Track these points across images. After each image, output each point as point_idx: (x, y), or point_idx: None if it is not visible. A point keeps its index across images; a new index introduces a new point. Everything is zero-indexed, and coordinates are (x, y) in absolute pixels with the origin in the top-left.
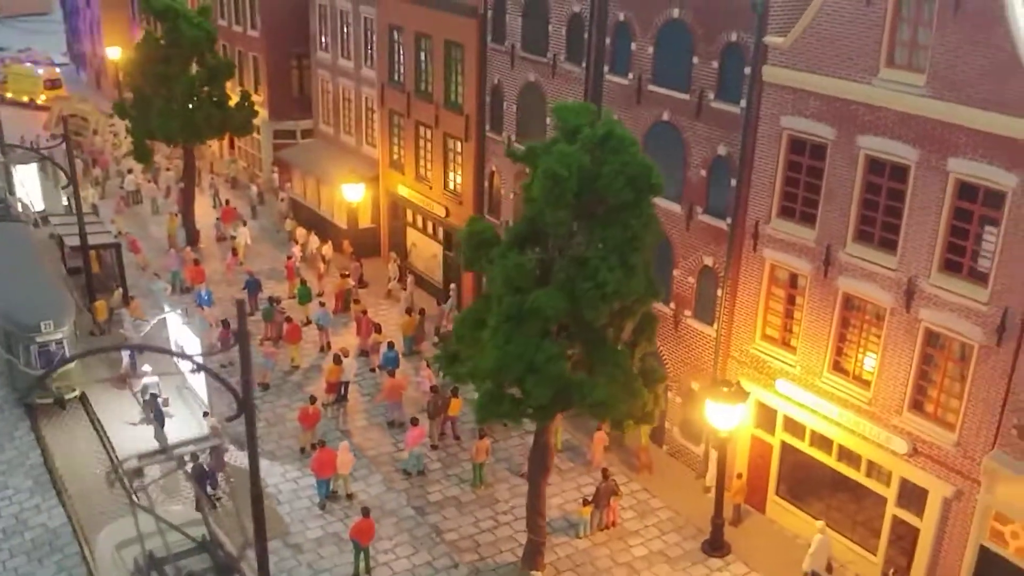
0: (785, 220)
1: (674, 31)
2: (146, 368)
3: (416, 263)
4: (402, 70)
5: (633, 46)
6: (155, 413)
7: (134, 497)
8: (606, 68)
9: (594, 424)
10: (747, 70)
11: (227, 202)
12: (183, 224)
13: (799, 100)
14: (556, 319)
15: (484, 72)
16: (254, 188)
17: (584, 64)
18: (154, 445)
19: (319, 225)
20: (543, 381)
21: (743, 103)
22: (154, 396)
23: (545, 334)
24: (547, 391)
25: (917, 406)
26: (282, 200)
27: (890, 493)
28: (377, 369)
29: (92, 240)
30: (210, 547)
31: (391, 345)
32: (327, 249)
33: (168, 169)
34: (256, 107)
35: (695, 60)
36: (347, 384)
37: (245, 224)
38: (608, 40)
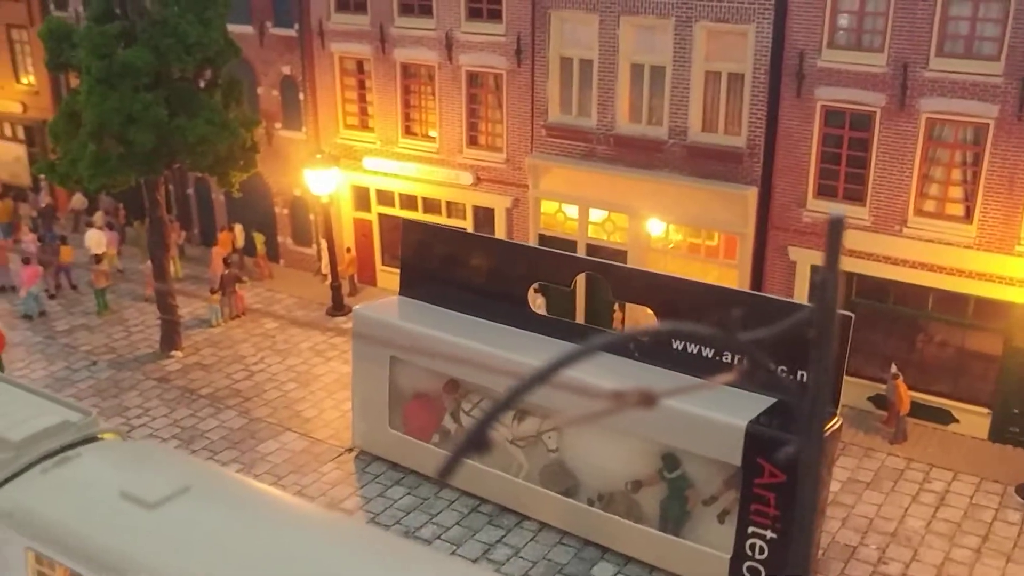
0: (343, 13)
1: None
2: None
3: (0, 173)
4: None
5: None
6: None
7: None
8: None
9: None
10: None
11: None
12: None
13: None
14: (146, 73)
15: None
16: None
17: None
18: None
19: None
20: (144, 128)
21: None
22: None
23: (138, 90)
24: (150, 136)
25: (473, 141)
26: None
27: (467, 223)
28: None
29: None
30: None
31: None
32: None
33: None
34: None
35: None
36: None
37: None
38: None
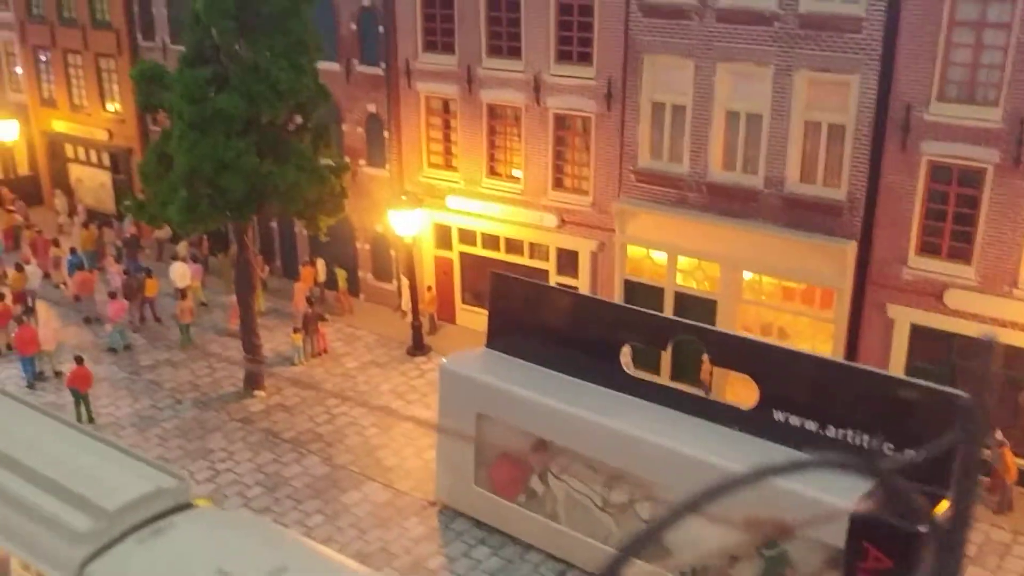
0: (431, 53)
1: None
2: None
3: (85, 198)
4: (42, 2)
5: None
6: None
7: None
8: None
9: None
10: None
11: None
12: None
13: None
14: (238, 119)
15: None
16: None
17: None
18: None
19: None
20: (237, 175)
21: None
22: None
23: (230, 136)
24: (242, 183)
25: (558, 183)
26: None
27: (550, 265)
28: (64, 285)
29: None
30: None
31: (73, 251)
32: None
33: None
34: None
35: None
36: (34, 294)
37: None
38: None
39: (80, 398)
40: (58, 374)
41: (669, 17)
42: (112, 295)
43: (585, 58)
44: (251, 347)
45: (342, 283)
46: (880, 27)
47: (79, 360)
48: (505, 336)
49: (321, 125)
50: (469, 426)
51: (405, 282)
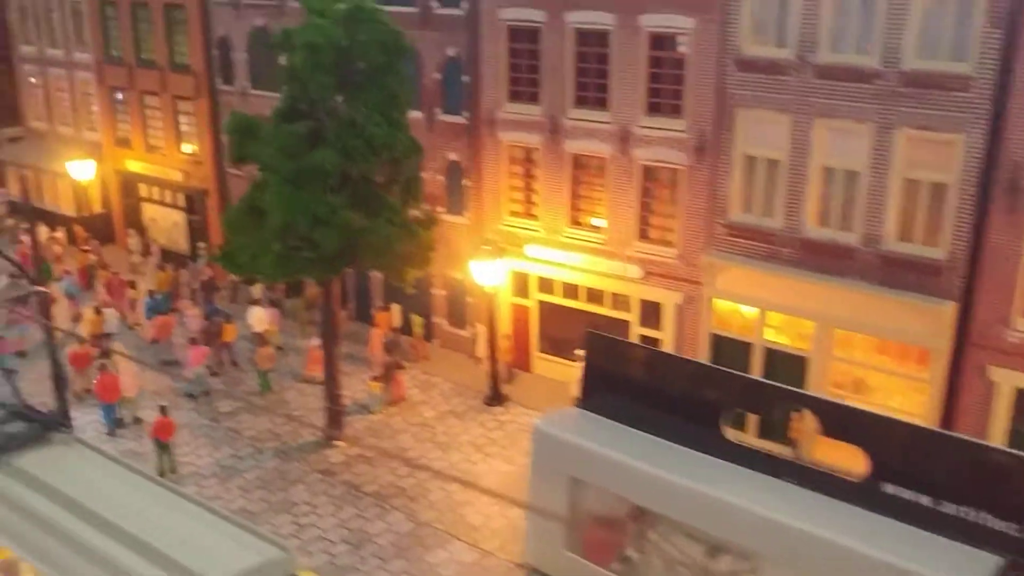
0: (515, 103)
1: None
2: None
3: (158, 238)
4: (120, 44)
5: None
6: None
7: None
8: None
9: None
10: None
11: None
12: None
13: None
14: (334, 175)
15: (208, 27)
16: None
17: None
18: None
19: (45, 218)
20: (332, 230)
21: (464, 5)
22: None
23: (325, 190)
24: (336, 238)
25: (644, 234)
26: None
27: (633, 317)
28: (139, 326)
29: None
30: (22, 411)
31: (151, 293)
32: (59, 235)
33: None
34: None
35: None
36: (110, 336)
37: None
38: None
39: (163, 448)
40: (138, 420)
41: (765, 72)
42: (193, 340)
43: (675, 110)
44: (333, 396)
45: (418, 329)
46: (990, 86)
47: (163, 410)
48: (600, 396)
49: (411, 178)
50: (562, 489)
51: (481, 329)
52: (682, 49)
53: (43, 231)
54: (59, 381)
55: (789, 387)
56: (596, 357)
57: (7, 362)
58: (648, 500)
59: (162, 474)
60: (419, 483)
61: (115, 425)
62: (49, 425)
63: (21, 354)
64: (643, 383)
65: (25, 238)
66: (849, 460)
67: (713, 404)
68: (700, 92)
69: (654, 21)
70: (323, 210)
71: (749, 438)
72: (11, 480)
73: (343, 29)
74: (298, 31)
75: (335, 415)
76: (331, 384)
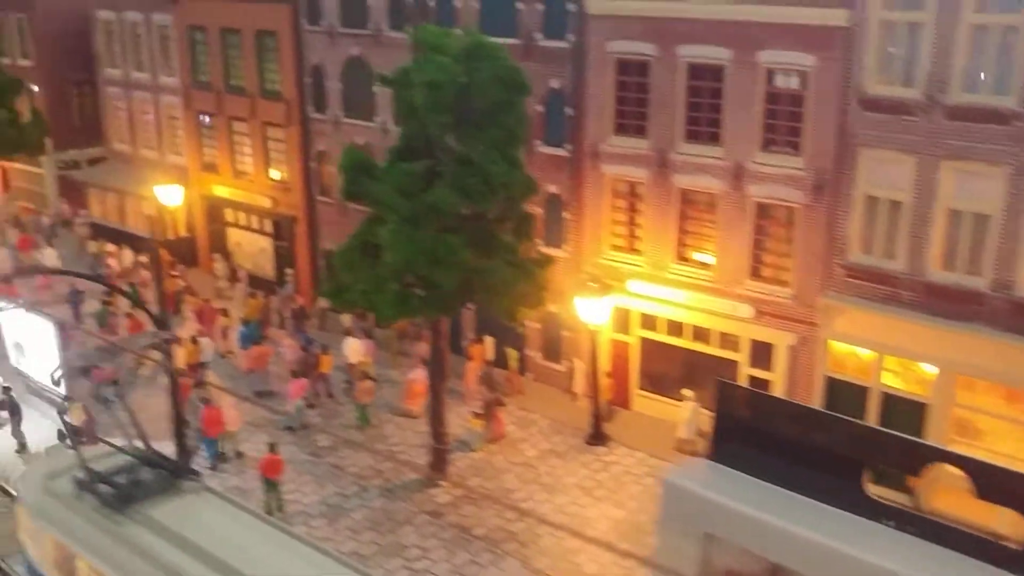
0: (621, 136)
1: None
2: None
3: (244, 263)
4: (208, 69)
5: (457, 3)
6: (10, 409)
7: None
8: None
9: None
10: (571, 7)
11: (21, 231)
12: None
13: (623, 26)
14: (452, 214)
15: (301, 55)
16: (45, 219)
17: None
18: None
19: (129, 242)
20: (450, 270)
21: (571, 37)
22: (6, 389)
23: (443, 230)
24: (454, 279)
25: (756, 273)
26: (80, 225)
27: (742, 357)
28: (231, 354)
29: None
30: (152, 459)
31: (245, 322)
32: (144, 259)
33: None
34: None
35: (520, 5)
36: (206, 366)
37: (50, 245)
38: (432, 1)
39: (271, 486)
40: (239, 455)
41: (892, 112)
42: (294, 372)
43: (793, 147)
44: (438, 435)
45: (513, 364)
46: None
47: (272, 447)
48: (731, 449)
49: (524, 216)
50: (694, 545)
51: (579, 364)
52: (802, 86)
53: (128, 255)
54: (180, 423)
55: (941, 447)
56: (728, 407)
57: (103, 391)
58: (787, 558)
59: (270, 512)
60: (528, 528)
61: (218, 460)
62: (179, 473)
63: (114, 382)
64: (777, 435)
65: (113, 262)
66: (976, 513)
67: (852, 459)
68: (819, 130)
69: (773, 58)
70: (443, 250)
71: (910, 506)
72: (142, 529)
73: (463, 66)
74: (417, 69)
75: (440, 454)
76: (436, 423)
